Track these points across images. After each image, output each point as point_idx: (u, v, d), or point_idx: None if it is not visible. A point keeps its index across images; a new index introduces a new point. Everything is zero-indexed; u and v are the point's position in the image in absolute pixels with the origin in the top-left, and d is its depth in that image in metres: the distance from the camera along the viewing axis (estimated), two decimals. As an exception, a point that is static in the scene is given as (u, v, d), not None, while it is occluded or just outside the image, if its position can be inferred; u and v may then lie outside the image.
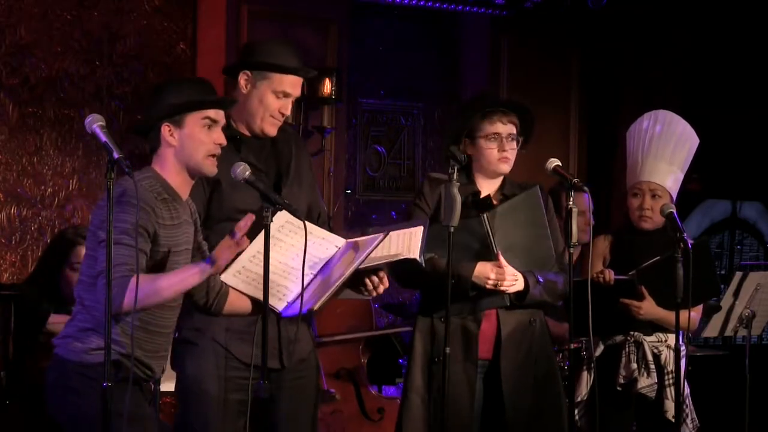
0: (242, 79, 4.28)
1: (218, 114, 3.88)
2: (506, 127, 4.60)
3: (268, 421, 4.27)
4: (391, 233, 4.18)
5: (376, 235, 4.10)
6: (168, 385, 4.75)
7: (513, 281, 4.52)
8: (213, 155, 3.87)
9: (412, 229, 4.24)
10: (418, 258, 4.18)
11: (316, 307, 4.01)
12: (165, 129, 3.84)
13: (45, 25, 6.66)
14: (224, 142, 3.89)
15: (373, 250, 4.03)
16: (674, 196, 5.14)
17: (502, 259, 4.51)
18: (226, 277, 4.02)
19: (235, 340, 4.17)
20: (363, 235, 4.27)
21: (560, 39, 8.54)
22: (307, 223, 4.05)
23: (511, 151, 4.60)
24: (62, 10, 6.71)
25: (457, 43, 8.45)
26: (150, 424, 3.84)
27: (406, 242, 4.20)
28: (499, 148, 4.59)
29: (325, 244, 4.10)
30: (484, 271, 4.50)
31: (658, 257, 4.88)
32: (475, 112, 4.64)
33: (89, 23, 6.78)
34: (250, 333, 4.12)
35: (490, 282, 4.49)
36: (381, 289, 4.19)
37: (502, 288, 4.51)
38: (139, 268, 3.63)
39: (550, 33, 8.49)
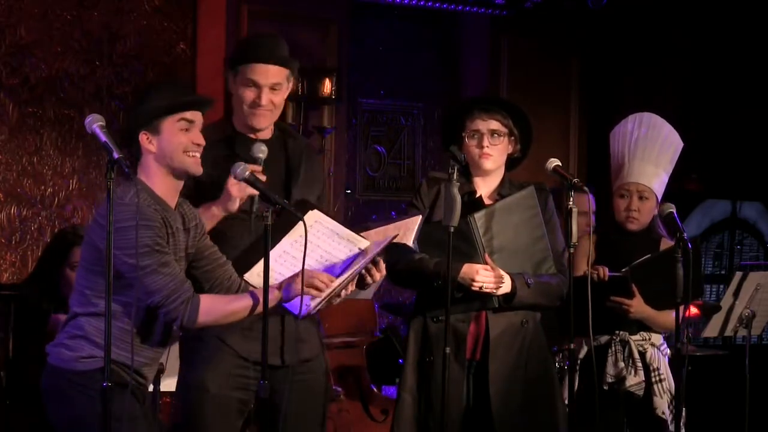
0: (229, 80, 4.29)
1: (195, 115, 3.81)
2: (486, 123, 4.59)
3: (271, 420, 4.26)
4: (392, 227, 4.20)
5: (380, 240, 4.08)
6: (168, 385, 4.76)
7: (499, 283, 4.48)
8: (193, 153, 3.81)
9: (408, 219, 4.26)
10: (410, 244, 4.19)
11: (314, 310, 4.00)
12: (143, 137, 3.78)
13: (45, 25, 6.66)
14: (203, 142, 3.83)
15: (376, 254, 4.02)
16: (659, 198, 5.15)
17: (489, 260, 4.50)
18: (249, 277, 3.99)
19: (238, 336, 4.16)
20: (366, 229, 4.28)
21: (560, 39, 8.55)
22: (335, 223, 4.07)
23: (493, 147, 4.58)
24: (62, 10, 6.71)
25: (457, 43, 8.45)
26: (143, 424, 3.82)
27: (402, 230, 4.22)
28: (479, 144, 4.60)
29: (349, 245, 4.07)
30: (469, 272, 4.46)
31: (650, 255, 4.89)
32: (456, 113, 4.68)
33: (89, 23, 6.78)
34: (253, 329, 4.09)
35: (475, 284, 4.49)
36: (377, 276, 4.15)
37: (486, 290, 4.50)
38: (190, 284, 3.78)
39: (550, 33, 8.49)
